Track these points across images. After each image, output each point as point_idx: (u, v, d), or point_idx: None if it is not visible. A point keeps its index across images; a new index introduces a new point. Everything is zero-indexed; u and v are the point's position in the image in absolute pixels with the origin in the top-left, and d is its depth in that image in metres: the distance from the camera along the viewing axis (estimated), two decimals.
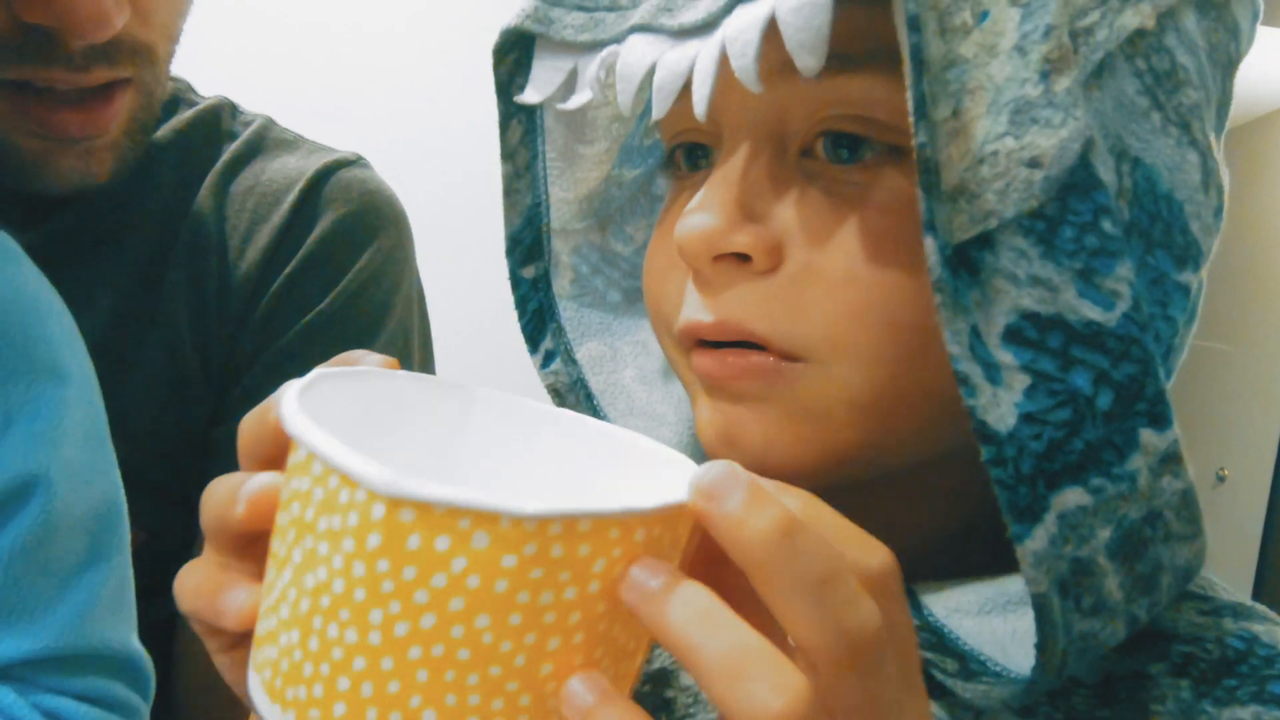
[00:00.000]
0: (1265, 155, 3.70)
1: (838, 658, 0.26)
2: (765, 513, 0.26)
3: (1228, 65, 0.38)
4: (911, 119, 0.31)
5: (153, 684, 0.55)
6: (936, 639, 0.37)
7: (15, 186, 0.63)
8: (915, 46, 0.30)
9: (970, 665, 0.36)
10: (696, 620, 0.26)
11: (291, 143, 0.78)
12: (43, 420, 0.49)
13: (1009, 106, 0.31)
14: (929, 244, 0.31)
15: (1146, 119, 0.34)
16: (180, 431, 0.71)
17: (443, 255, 2.05)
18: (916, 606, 0.39)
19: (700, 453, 0.44)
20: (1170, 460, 0.33)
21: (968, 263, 0.31)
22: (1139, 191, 0.34)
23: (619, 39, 0.39)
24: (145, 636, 0.55)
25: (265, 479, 0.31)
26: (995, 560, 0.37)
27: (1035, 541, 0.32)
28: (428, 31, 2.48)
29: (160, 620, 0.57)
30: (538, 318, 0.50)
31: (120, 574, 0.53)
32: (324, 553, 0.27)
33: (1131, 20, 0.34)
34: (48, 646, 0.48)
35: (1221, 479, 3.67)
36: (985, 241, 0.31)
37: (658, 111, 0.37)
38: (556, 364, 0.49)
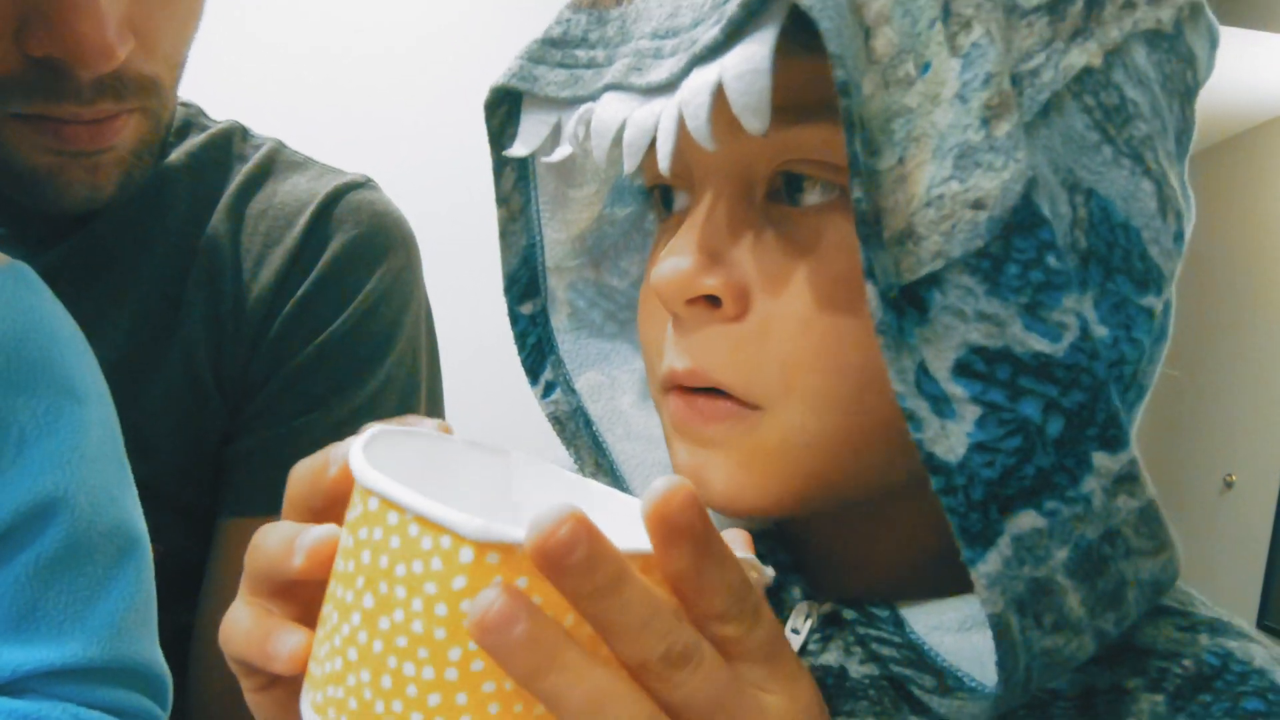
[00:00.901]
0: (1268, 161, 3.70)
1: (666, 679, 0.29)
2: (598, 571, 0.28)
3: (1185, 94, 0.39)
4: (851, 175, 0.32)
5: (170, 696, 0.56)
6: (916, 656, 0.39)
7: (28, 204, 0.64)
8: (847, 109, 0.32)
9: (947, 681, 0.38)
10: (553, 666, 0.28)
11: (301, 165, 0.79)
12: (60, 440, 0.50)
13: (953, 152, 0.33)
14: (870, 290, 0.32)
15: (1098, 152, 0.36)
16: (195, 449, 0.72)
17: (451, 274, 2.06)
18: (899, 624, 0.40)
19: None
20: (1125, 480, 0.35)
21: (916, 301, 0.33)
22: (1095, 221, 0.36)
23: (595, 96, 0.41)
24: (161, 648, 0.56)
25: (322, 531, 0.33)
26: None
27: (988, 565, 0.33)
28: (437, 56, 2.50)
29: (175, 632, 0.57)
30: (537, 351, 0.52)
31: (145, 589, 0.54)
32: (401, 596, 0.29)
33: (1078, 60, 0.35)
34: (77, 659, 0.49)
35: (1229, 485, 3.66)
36: (933, 281, 0.33)
37: (628, 167, 0.38)
38: (556, 394, 0.51)
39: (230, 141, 0.78)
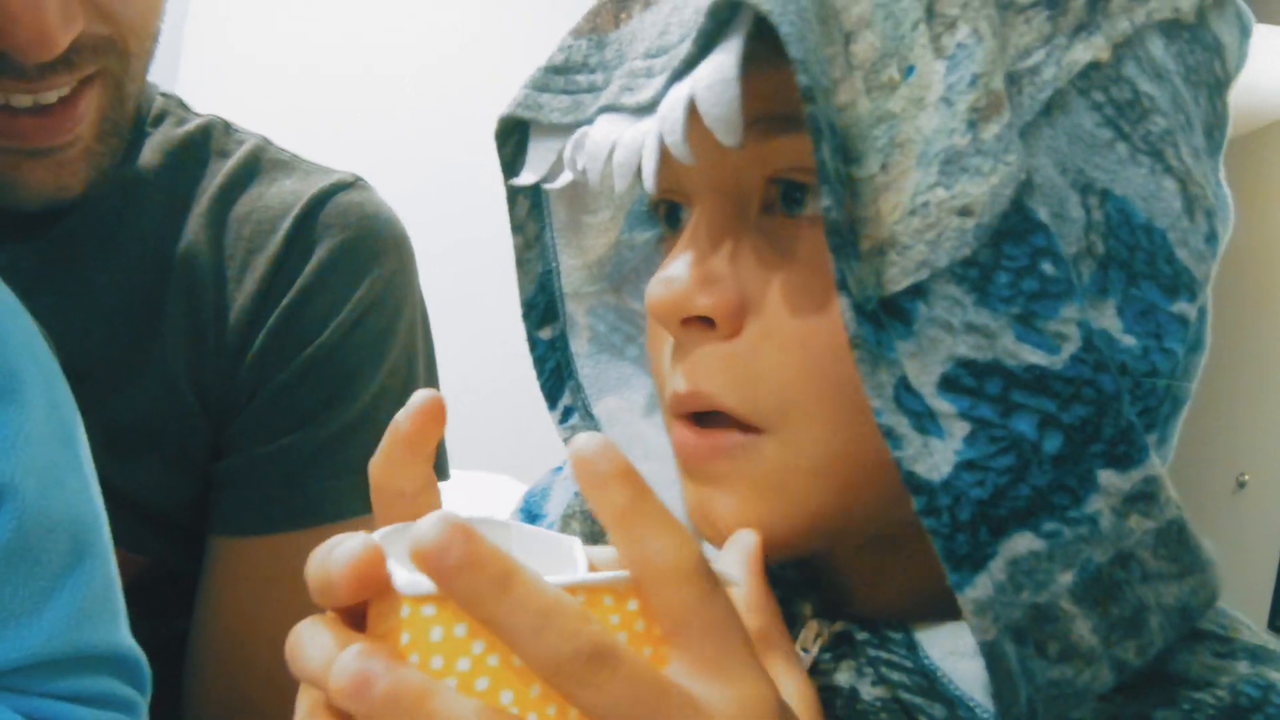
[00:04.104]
0: (1274, 163, 3.68)
1: (559, 681, 0.28)
2: (483, 572, 0.27)
3: (1214, 86, 0.37)
4: (820, 183, 0.31)
5: (149, 678, 0.54)
6: (928, 683, 0.37)
7: None
8: (811, 115, 0.31)
9: (959, 711, 0.36)
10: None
11: (288, 164, 0.75)
12: (1, 427, 0.48)
13: (938, 158, 0.32)
14: (843, 303, 0.31)
15: (1111, 150, 0.34)
16: (177, 464, 0.70)
17: (454, 278, 2.05)
18: (912, 647, 0.38)
19: None
20: (1138, 500, 0.33)
21: (899, 313, 0.32)
22: (1113, 224, 0.34)
23: (593, 120, 0.40)
24: (152, 658, 0.55)
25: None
26: None
27: (977, 590, 0.32)
28: (448, 77, 2.49)
29: (164, 640, 0.56)
30: (555, 376, 0.51)
31: (105, 571, 0.52)
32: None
33: (1083, 55, 0.34)
34: (36, 652, 0.47)
35: (1242, 485, 3.65)
36: (917, 291, 0.32)
37: (618, 186, 0.38)
38: (574, 419, 0.50)
39: (209, 137, 0.74)
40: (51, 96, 0.57)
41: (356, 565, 0.29)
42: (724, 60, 0.33)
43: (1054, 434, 0.32)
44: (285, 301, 0.70)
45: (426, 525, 0.27)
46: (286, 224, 0.71)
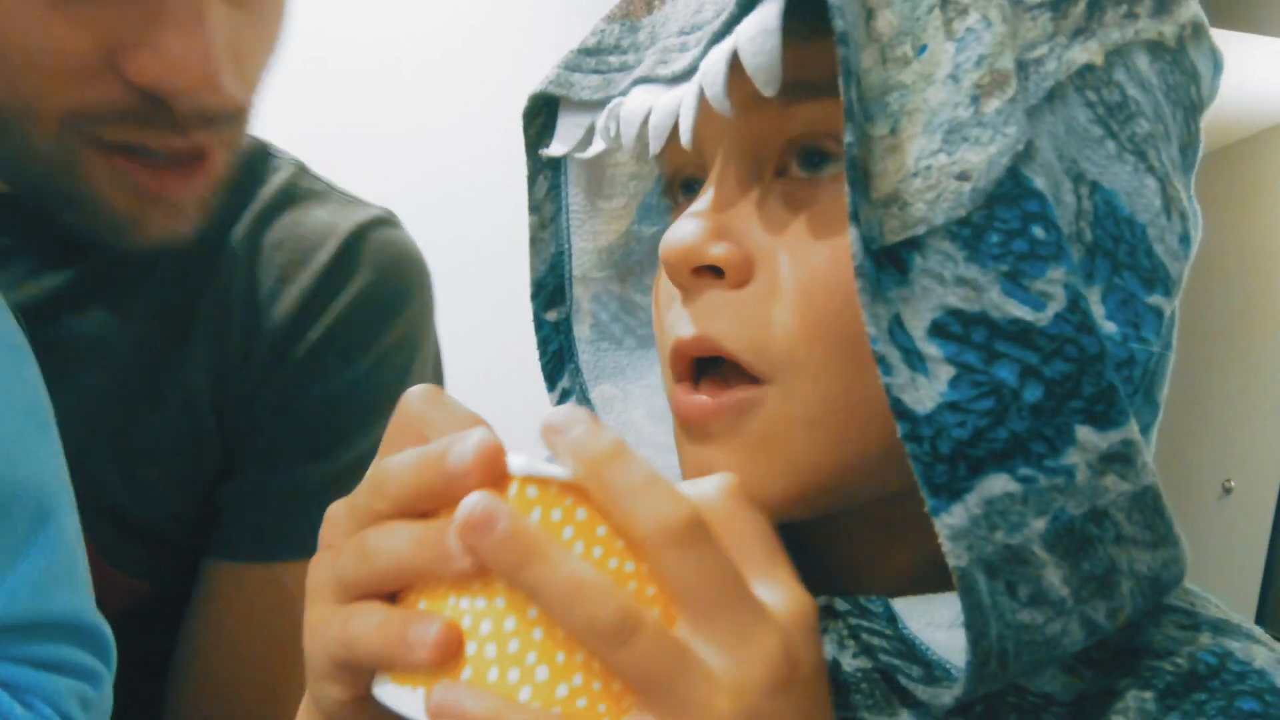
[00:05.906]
0: (1268, 168, 3.70)
1: (656, 542, 0.30)
2: (599, 440, 0.31)
3: (1189, 108, 0.40)
4: (844, 120, 0.33)
5: (114, 652, 0.54)
6: (907, 649, 0.39)
7: (102, 242, 0.61)
8: (845, 58, 0.33)
9: (935, 671, 0.38)
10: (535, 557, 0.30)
11: (322, 194, 0.75)
12: None
13: (942, 127, 0.35)
14: (853, 233, 0.33)
15: (1101, 146, 0.37)
16: (190, 487, 0.70)
17: (450, 276, 2.05)
18: (892, 619, 0.40)
19: None
20: (1115, 460, 0.35)
21: (897, 262, 0.34)
22: (1100, 214, 0.37)
23: (625, 92, 0.43)
24: (146, 673, 0.54)
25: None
26: None
27: (953, 517, 0.33)
28: (463, 70, 2.50)
29: (156, 656, 0.55)
30: (557, 358, 0.52)
31: (70, 541, 0.52)
32: None
33: (1079, 56, 0.37)
34: None
35: (1228, 491, 3.66)
36: (914, 244, 0.34)
37: (653, 148, 0.41)
38: (571, 402, 0.52)
39: (248, 161, 0.74)
40: (192, 147, 0.58)
41: (486, 453, 0.31)
42: (766, 13, 0.36)
43: (1034, 385, 0.34)
44: (314, 335, 0.70)
45: (559, 409, 0.31)
46: (322, 257, 0.71)
